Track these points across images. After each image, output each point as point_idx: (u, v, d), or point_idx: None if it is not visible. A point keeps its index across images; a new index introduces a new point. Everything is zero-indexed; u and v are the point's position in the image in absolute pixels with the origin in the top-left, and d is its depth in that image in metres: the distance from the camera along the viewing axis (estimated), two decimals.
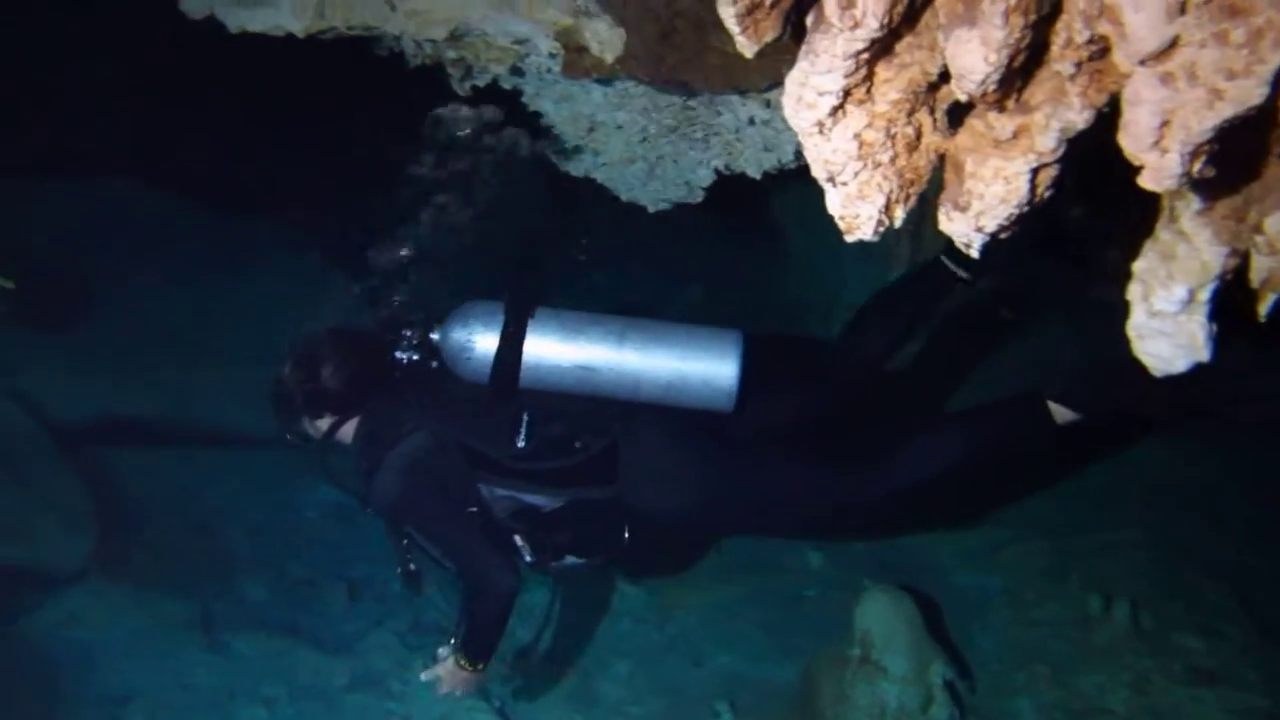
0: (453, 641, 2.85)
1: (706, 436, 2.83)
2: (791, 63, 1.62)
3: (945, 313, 3.72)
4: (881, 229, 1.45)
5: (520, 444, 2.76)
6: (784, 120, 2.59)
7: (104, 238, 5.43)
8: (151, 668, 4.03)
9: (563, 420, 2.78)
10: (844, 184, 1.43)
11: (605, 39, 2.25)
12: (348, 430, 2.97)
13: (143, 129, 5.19)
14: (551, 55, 2.43)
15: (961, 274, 2.88)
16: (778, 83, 2.30)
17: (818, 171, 1.44)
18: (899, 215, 1.45)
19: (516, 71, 2.62)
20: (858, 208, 1.43)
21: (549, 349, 2.66)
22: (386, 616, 4.59)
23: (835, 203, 1.45)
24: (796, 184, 2.94)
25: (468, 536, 2.77)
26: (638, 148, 2.74)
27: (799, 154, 2.62)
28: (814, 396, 3.08)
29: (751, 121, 2.54)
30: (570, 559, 2.96)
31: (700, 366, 2.65)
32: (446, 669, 2.83)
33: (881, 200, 1.42)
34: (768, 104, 2.47)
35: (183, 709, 3.94)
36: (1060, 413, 2.79)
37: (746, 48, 1.47)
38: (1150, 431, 3.87)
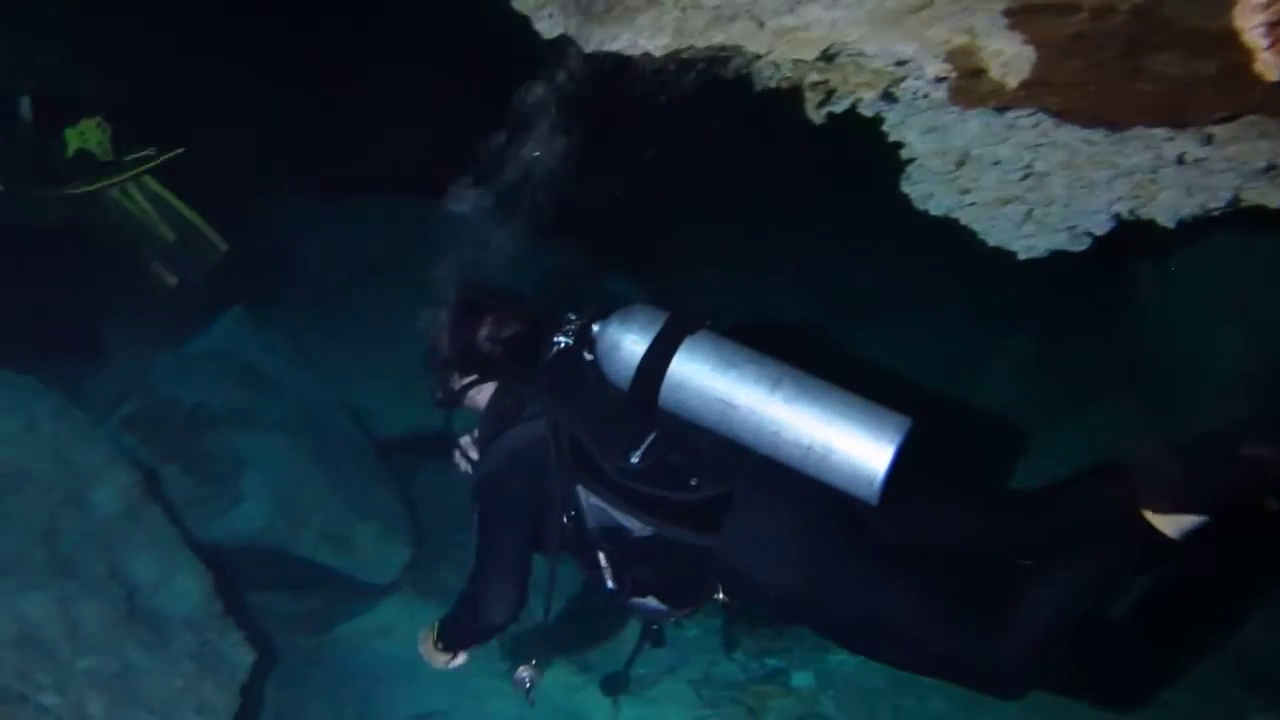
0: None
1: (835, 522, 2.48)
2: (1254, 87, 1.24)
3: None
4: None
5: (634, 460, 2.55)
6: (1225, 159, 2.15)
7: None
8: (452, 689, 4.09)
9: (687, 452, 2.56)
10: None
11: (1009, 60, 1.91)
12: (483, 394, 2.89)
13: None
14: (937, 80, 2.12)
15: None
16: (1233, 115, 1.86)
17: None
18: None
19: (887, 97, 2.33)
20: None
21: (695, 372, 2.46)
22: (680, 664, 4.44)
23: None
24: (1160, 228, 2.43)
25: (510, 549, 2.66)
26: (1016, 186, 2.37)
27: (1235, 199, 2.16)
28: (976, 540, 2.61)
29: (1180, 160, 2.10)
30: (653, 601, 2.75)
31: (849, 441, 2.31)
32: (426, 637, 2.91)
33: None
34: (1209, 139, 2.02)
35: None
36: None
37: (1272, 67, 1.12)
38: None
